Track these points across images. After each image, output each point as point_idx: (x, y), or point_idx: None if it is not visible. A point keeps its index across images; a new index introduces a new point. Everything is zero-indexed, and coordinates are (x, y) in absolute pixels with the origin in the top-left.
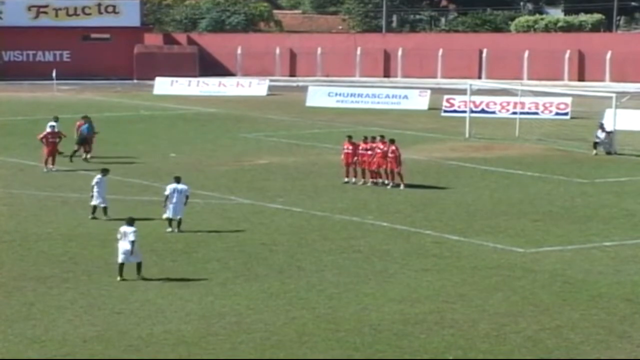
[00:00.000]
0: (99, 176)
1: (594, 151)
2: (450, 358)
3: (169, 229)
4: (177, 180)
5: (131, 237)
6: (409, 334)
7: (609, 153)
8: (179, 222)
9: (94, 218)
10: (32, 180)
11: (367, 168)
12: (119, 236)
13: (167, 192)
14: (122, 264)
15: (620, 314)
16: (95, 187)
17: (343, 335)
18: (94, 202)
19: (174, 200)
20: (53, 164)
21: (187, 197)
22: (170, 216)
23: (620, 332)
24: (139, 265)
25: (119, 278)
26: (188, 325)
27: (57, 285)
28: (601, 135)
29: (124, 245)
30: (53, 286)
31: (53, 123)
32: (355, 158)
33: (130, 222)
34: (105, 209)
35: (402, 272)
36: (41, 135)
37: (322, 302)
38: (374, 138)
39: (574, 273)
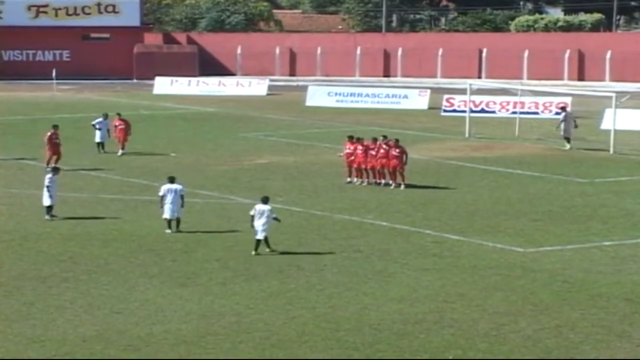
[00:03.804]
0: (49, 176)
1: (567, 146)
2: (450, 357)
3: (168, 230)
4: (171, 180)
5: (272, 215)
6: (409, 334)
7: (567, 138)
8: (178, 222)
9: (53, 216)
10: (32, 179)
11: (364, 167)
12: (252, 212)
13: (160, 193)
14: (259, 240)
15: (619, 314)
16: (49, 188)
17: (343, 335)
18: (47, 202)
19: (169, 200)
20: (56, 163)
21: (182, 197)
22: (168, 217)
23: (620, 332)
24: (266, 239)
25: (253, 252)
26: (187, 324)
27: (57, 285)
28: (561, 116)
29: (260, 223)
30: (52, 286)
31: (101, 119)
32: (352, 157)
33: (265, 200)
34: (51, 208)
35: (401, 271)
36: (47, 136)
37: (322, 302)
38: (375, 139)
39: (574, 272)
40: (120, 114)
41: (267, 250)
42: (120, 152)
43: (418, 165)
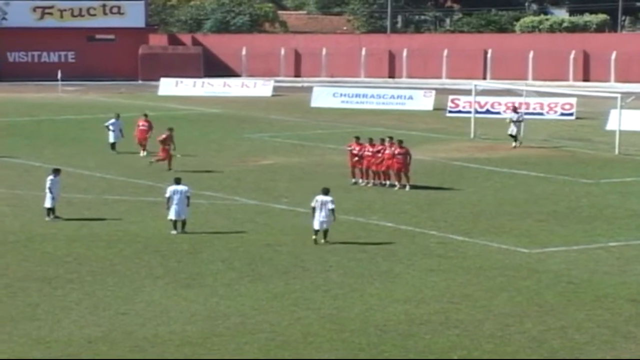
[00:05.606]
0: (50, 177)
1: (514, 144)
2: (455, 358)
3: (174, 231)
4: (177, 181)
5: (330, 206)
6: (414, 335)
7: (514, 136)
8: (183, 223)
9: (57, 217)
10: (37, 181)
11: (373, 169)
12: (313, 204)
13: (167, 194)
14: (317, 230)
15: (625, 315)
16: (51, 189)
17: (348, 336)
18: (49, 204)
19: (175, 201)
20: (169, 165)
21: (188, 198)
22: (174, 218)
23: (626, 333)
24: (326, 232)
25: (314, 237)
26: (193, 326)
27: (62, 286)
28: (513, 116)
29: (321, 214)
30: (58, 287)
31: (113, 120)
32: (355, 158)
33: (326, 192)
34: (53, 209)
35: (407, 272)
36: (161, 138)
37: (327, 303)
38: (383, 140)
39: (579, 273)
40: (146, 114)
41: (322, 241)
42: (142, 153)
43: (423, 166)
